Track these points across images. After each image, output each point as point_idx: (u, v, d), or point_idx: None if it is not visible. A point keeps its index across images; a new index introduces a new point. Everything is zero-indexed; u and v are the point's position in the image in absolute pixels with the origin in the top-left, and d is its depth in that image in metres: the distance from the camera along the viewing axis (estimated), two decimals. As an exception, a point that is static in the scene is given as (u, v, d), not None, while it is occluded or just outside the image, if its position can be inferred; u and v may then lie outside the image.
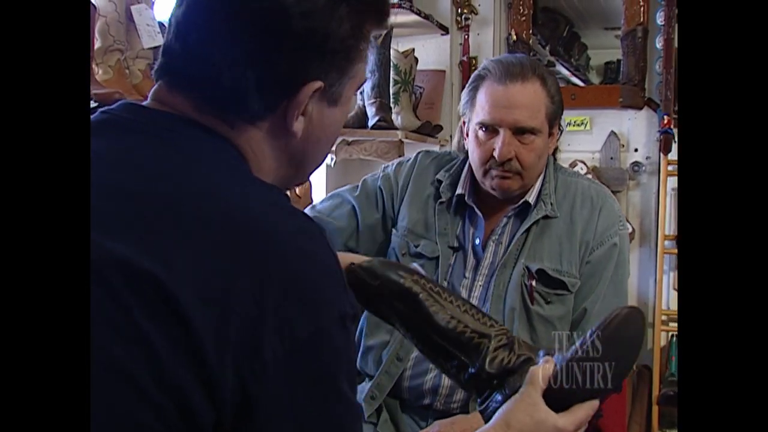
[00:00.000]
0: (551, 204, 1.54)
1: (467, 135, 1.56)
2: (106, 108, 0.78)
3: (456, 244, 1.56)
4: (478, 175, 1.54)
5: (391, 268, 1.09)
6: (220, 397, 0.64)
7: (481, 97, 1.49)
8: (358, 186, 1.69)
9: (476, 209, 1.56)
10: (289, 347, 0.65)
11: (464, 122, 1.58)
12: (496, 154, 1.47)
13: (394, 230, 1.62)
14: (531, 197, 1.55)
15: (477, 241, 1.55)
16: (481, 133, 1.50)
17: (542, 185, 1.57)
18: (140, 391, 0.61)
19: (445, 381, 1.49)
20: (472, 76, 1.55)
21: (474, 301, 1.53)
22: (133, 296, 0.62)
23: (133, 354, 0.62)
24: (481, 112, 1.49)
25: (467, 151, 1.57)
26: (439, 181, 1.60)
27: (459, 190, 1.58)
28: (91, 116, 0.76)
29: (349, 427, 0.73)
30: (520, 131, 1.47)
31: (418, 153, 1.69)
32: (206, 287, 0.64)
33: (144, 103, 0.79)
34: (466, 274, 1.55)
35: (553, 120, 1.52)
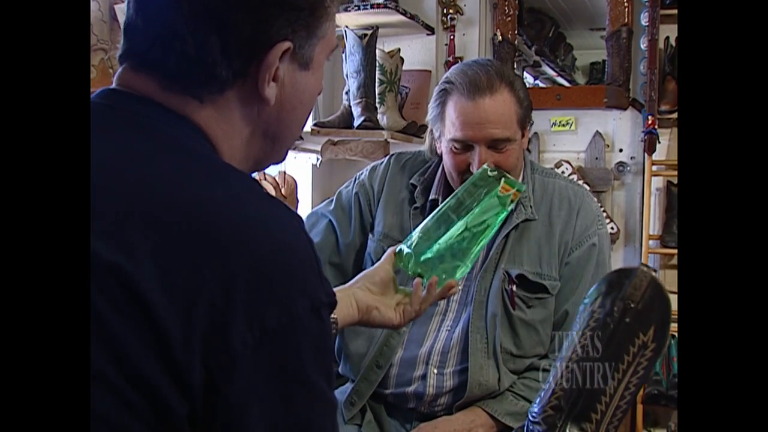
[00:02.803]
0: (531, 207, 1.53)
1: (440, 147, 1.54)
2: None
3: None
4: (456, 184, 1.51)
5: (663, 315, 1.07)
6: (190, 388, 0.62)
7: (450, 113, 1.46)
8: (332, 200, 1.68)
9: None
10: (259, 338, 0.64)
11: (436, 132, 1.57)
12: (473, 170, 1.44)
13: (370, 235, 1.60)
14: None
15: None
16: (455, 147, 1.48)
17: None
18: (108, 384, 0.60)
19: (430, 389, 1.48)
20: (437, 89, 1.51)
21: (454, 306, 1.53)
22: (96, 288, 0.60)
23: (102, 351, 0.60)
24: (452, 128, 1.46)
25: (440, 155, 1.56)
26: (414, 185, 1.59)
27: (432, 195, 1.56)
28: None
29: (317, 420, 0.71)
30: (494, 144, 1.45)
31: (391, 156, 1.68)
32: (171, 278, 0.62)
33: (112, 87, 0.77)
34: None
35: (525, 121, 1.50)
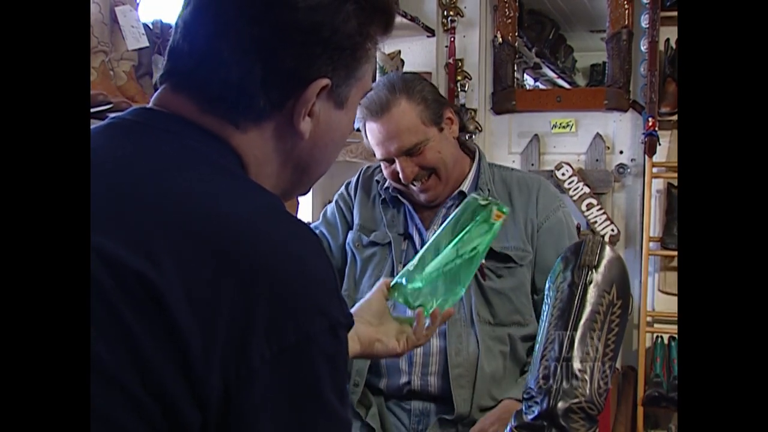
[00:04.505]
0: (489, 191, 1.65)
1: None
2: (116, 115, 0.79)
3: (403, 231, 1.68)
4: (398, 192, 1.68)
5: (620, 272, 1.16)
6: (206, 399, 0.63)
7: (369, 138, 1.62)
8: (319, 218, 1.83)
9: (405, 202, 1.68)
10: (276, 353, 0.65)
11: None
12: (402, 179, 1.59)
13: (350, 231, 1.74)
14: (465, 186, 1.65)
15: (424, 230, 1.67)
16: (384, 164, 1.64)
17: (477, 174, 1.67)
18: (125, 391, 0.61)
19: (418, 350, 1.53)
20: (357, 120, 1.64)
21: None
22: (120, 294, 0.62)
23: (118, 353, 0.61)
24: (375, 150, 1.62)
25: None
26: (378, 181, 1.74)
27: (386, 184, 1.68)
28: (102, 122, 0.76)
29: None
30: (408, 152, 1.56)
31: (360, 169, 1.83)
32: (193, 289, 0.63)
33: (148, 106, 0.79)
34: None
35: (437, 116, 1.59)
